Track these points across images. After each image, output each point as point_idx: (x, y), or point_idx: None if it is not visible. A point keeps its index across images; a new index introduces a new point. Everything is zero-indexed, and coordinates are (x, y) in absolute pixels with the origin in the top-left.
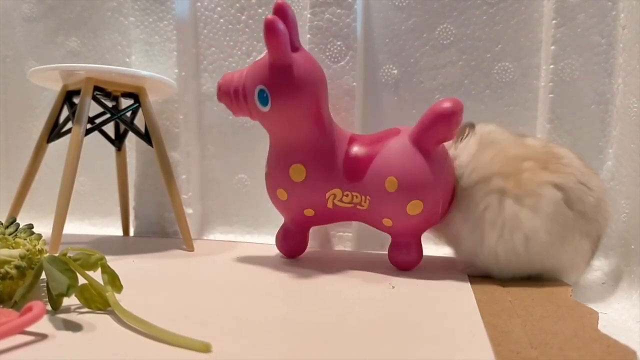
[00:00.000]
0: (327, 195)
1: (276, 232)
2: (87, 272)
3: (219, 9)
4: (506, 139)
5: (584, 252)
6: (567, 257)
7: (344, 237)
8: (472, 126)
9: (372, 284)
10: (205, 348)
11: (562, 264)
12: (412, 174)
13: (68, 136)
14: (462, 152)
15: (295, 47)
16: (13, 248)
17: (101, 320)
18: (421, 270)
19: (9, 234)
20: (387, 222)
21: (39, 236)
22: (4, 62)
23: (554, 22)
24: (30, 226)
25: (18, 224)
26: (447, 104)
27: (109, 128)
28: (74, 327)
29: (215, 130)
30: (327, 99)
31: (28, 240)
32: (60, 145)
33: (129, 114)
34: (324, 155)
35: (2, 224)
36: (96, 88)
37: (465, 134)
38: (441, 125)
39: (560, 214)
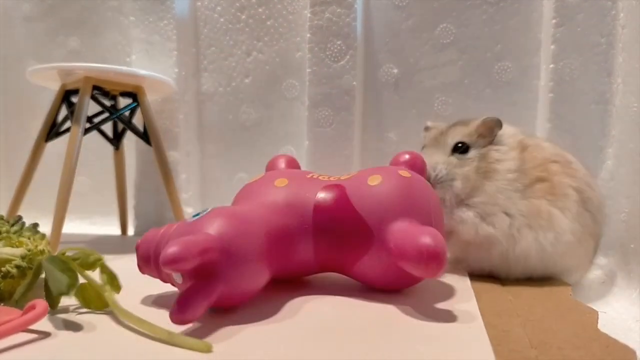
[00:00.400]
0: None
1: None
2: (86, 271)
3: (219, 8)
4: (534, 144)
5: (590, 252)
6: (578, 258)
7: None
8: (499, 125)
9: None
10: (206, 348)
11: (573, 264)
12: (398, 286)
13: (68, 135)
14: (504, 159)
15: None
16: (17, 247)
17: (100, 320)
18: None
19: (14, 232)
20: None
21: (43, 235)
22: (4, 62)
23: (553, 21)
24: (36, 225)
25: (23, 223)
26: (428, 241)
27: (108, 127)
28: (74, 326)
29: (215, 129)
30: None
31: (32, 239)
32: (60, 145)
33: (127, 113)
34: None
35: (8, 222)
36: (95, 87)
37: (494, 134)
38: (421, 268)
39: (581, 214)
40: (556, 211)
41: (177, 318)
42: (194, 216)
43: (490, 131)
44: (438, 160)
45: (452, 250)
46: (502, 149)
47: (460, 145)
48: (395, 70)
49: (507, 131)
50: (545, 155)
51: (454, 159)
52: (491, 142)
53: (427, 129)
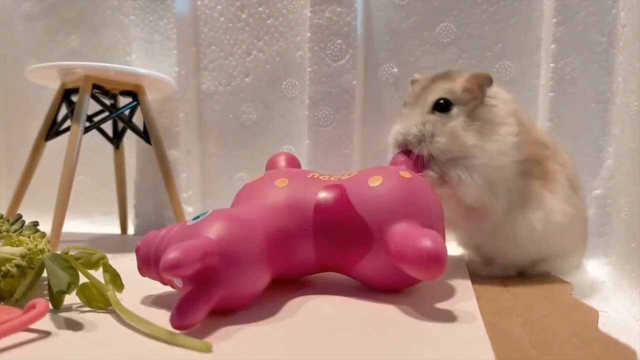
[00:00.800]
0: None
1: None
2: (88, 270)
3: (219, 7)
4: (527, 122)
5: (583, 235)
6: (572, 240)
7: None
8: (490, 81)
9: None
10: (206, 348)
11: (567, 246)
12: (399, 287)
13: (68, 134)
14: (503, 123)
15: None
16: (16, 246)
17: (102, 320)
18: None
19: (14, 231)
20: None
21: (43, 234)
22: (4, 61)
23: (554, 20)
24: (36, 223)
25: (24, 221)
26: (428, 244)
27: (108, 126)
28: (75, 326)
29: (216, 128)
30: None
31: (31, 238)
32: (60, 144)
33: (127, 112)
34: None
35: (8, 221)
36: (95, 86)
37: (484, 91)
38: (421, 271)
39: (572, 198)
40: (547, 193)
41: (177, 323)
42: (194, 219)
43: (479, 87)
44: (411, 123)
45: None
46: (498, 112)
47: (441, 101)
48: (396, 69)
49: (502, 96)
50: (539, 136)
51: (433, 116)
52: (481, 102)
53: (412, 82)
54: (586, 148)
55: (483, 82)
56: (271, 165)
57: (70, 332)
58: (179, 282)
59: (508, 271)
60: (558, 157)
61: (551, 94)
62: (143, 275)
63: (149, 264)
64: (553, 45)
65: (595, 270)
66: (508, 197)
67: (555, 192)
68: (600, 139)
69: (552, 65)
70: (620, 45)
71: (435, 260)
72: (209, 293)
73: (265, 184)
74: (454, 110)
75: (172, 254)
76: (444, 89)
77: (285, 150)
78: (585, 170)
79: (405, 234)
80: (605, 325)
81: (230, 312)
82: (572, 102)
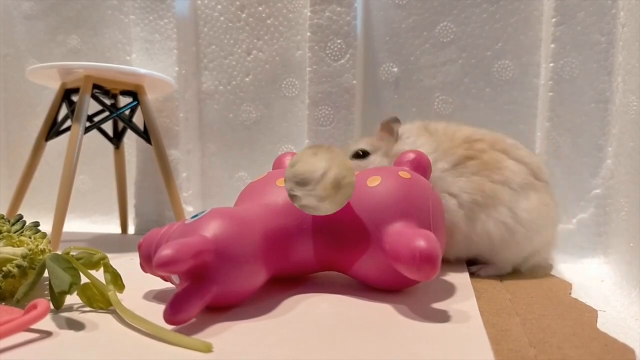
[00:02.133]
0: None
1: None
2: (89, 271)
3: (219, 7)
4: (443, 128)
5: (556, 220)
6: (552, 225)
7: None
8: (397, 121)
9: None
10: (206, 348)
11: (550, 232)
12: (397, 287)
13: (68, 134)
14: (416, 147)
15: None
16: (17, 246)
17: (103, 320)
18: None
19: (15, 232)
20: None
21: (44, 235)
22: (4, 61)
23: (553, 20)
24: (37, 224)
25: (24, 222)
26: (422, 244)
27: (108, 126)
28: (77, 326)
29: (216, 128)
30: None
31: (32, 238)
32: (61, 144)
33: (127, 111)
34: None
35: (8, 221)
36: (95, 86)
37: (395, 131)
38: (413, 271)
39: (530, 183)
40: (498, 186)
41: (169, 318)
42: (193, 217)
43: (390, 129)
44: None
45: None
46: (409, 141)
47: (361, 152)
48: (395, 69)
49: (406, 127)
50: (465, 134)
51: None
52: (396, 140)
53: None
54: (586, 148)
55: (391, 122)
56: (277, 165)
57: (71, 332)
58: (176, 279)
59: (504, 269)
60: (497, 145)
61: (551, 93)
62: (145, 272)
63: (150, 261)
64: (553, 45)
65: (594, 270)
66: (455, 202)
67: (510, 183)
68: (599, 138)
69: (551, 64)
70: (620, 45)
71: (428, 260)
72: (203, 290)
73: (267, 183)
74: (372, 157)
75: (165, 251)
76: (365, 141)
77: (285, 150)
78: (585, 170)
79: (400, 234)
80: (604, 324)
81: (226, 308)
82: (572, 102)
